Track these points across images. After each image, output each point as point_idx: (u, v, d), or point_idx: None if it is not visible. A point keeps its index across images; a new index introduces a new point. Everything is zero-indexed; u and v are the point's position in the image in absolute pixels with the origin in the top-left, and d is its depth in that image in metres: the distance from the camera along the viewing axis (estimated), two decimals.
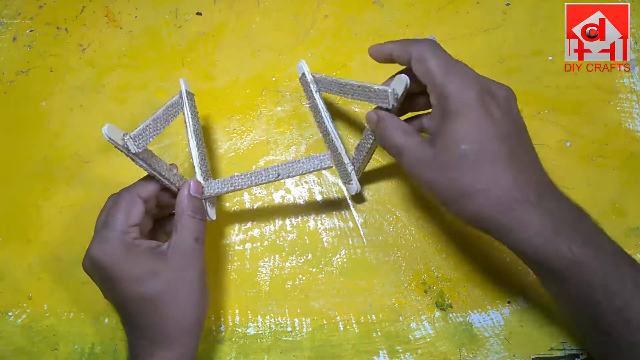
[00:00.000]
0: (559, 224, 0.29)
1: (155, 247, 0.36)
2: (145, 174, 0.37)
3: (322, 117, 0.43)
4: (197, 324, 0.36)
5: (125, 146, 0.34)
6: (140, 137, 0.35)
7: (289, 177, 0.39)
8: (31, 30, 0.56)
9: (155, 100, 0.50)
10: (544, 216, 0.29)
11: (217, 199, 0.43)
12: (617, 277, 0.29)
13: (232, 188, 0.39)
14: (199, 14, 0.54)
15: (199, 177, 0.40)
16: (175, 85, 0.51)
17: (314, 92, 0.43)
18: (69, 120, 0.51)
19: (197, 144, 0.42)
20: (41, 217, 0.47)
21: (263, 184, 0.40)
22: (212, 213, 0.40)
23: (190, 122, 0.42)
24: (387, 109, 0.36)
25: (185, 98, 0.43)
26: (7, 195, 0.48)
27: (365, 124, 0.38)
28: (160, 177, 0.37)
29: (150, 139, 0.36)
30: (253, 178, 0.39)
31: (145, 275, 0.34)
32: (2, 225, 0.47)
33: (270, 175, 0.39)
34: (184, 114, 0.42)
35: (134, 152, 0.34)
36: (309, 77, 0.44)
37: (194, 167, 0.41)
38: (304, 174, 0.39)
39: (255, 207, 0.45)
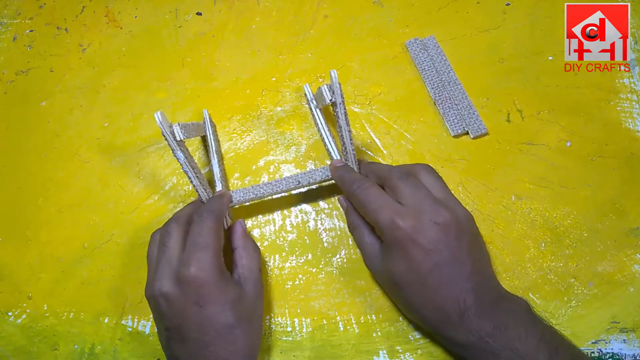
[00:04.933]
0: (478, 340, 0.32)
1: (231, 274, 0.37)
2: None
3: (322, 134, 0.45)
4: (255, 357, 0.36)
5: (172, 133, 0.37)
6: (185, 128, 0.38)
7: (308, 185, 0.42)
8: (31, 30, 0.56)
9: (155, 100, 0.50)
10: (465, 333, 0.33)
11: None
12: None
13: (254, 196, 0.42)
14: (199, 14, 0.54)
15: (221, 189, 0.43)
16: (175, 85, 0.51)
17: (313, 108, 0.45)
18: (69, 120, 0.51)
19: (219, 162, 0.45)
20: (41, 217, 0.47)
21: (284, 192, 0.42)
22: (228, 222, 0.42)
23: (213, 145, 0.45)
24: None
25: (208, 123, 0.46)
26: (7, 195, 0.48)
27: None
28: (192, 176, 0.39)
29: (191, 136, 0.40)
30: (274, 187, 0.41)
31: (233, 301, 0.34)
32: (2, 225, 0.47)
33: (291, 184, 0.42)
34: (207, 137, 0.46)
35: (179, 138, 0.37)
36: (309, 96, 0.46)
37: (214, 182, 0.43)
38: (322, 182, 0.42)
39: (255, 207, 0.45)
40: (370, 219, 0.36)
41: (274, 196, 0.45)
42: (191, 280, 0.33)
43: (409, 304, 0.35)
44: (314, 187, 0.45)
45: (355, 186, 0.37)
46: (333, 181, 0.42)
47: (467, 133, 0.45)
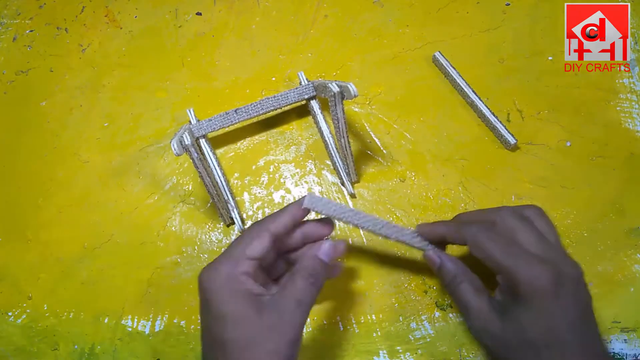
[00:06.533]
0: None
1: (257, 293, 0.32)
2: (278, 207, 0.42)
3: (324, 136, 0.45)
4: None
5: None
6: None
7: (280, 107, 0.45)
8: (31, 30, 0.56)
9: (155, 100, 0.50)
10: None
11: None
12: None
13: (222, 125, 0.44)
14: (199, 14, 0.54)
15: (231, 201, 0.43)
16: (175, 85, 0.51)
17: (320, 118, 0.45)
18: (69, 120, 0.51)
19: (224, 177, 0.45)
20: (41, 217, 0.47)
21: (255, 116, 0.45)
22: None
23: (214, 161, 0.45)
24: None
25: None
26: (7, 195, 0.48)
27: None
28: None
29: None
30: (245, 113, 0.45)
31: (234, 318, 0.31)
32: (2, 225, 0.47)
33: (261, 109, 0.45)
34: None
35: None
36: (303, 82, 0.46)
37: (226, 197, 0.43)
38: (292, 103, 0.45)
39: (255, 207, 0.45)
40: (503, 268, 0.32)
41: (274, 196, 0.45)
42: (201, 286, 0.32)
43: None
44: (313, 186, 0.44)
45: (481, 234, 0.33)
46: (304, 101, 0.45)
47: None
